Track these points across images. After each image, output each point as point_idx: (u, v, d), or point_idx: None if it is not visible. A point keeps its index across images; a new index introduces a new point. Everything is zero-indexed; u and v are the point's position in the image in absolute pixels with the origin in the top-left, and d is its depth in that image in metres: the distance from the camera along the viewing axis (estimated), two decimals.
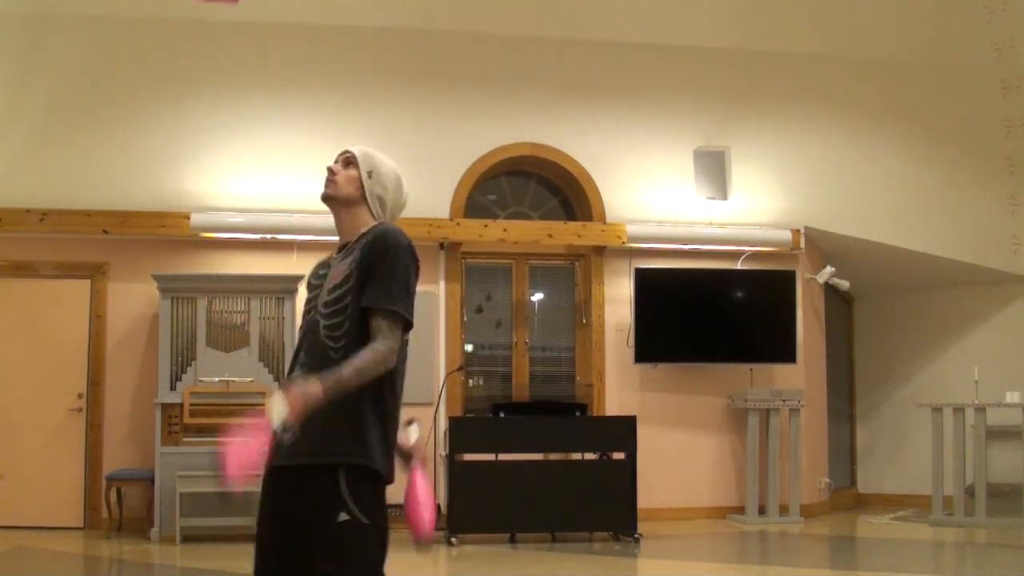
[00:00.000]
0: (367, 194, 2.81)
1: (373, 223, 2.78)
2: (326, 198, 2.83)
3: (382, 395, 2.61)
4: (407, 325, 2.64)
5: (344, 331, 2.61)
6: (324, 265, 2.83)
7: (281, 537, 2.56)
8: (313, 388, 2.46)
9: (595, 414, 9.28)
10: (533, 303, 9.97)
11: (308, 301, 2.78)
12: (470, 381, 9.72)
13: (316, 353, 2.62)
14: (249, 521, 8.09)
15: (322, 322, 2.65)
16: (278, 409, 2.40)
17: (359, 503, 2.53)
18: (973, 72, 10.22)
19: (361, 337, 2.59)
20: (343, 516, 2.51)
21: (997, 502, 9.10)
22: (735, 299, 9.71)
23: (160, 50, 9.02)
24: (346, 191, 2.80)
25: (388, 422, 2.63)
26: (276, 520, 2.58)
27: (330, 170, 2.83)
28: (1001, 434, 9.60)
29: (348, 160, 2.84)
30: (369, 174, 2.81)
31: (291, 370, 2.70)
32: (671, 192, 9.72)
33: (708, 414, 9.67)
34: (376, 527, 2.56)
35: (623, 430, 8.22)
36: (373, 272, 2.63)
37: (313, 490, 2.53)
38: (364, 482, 2.56)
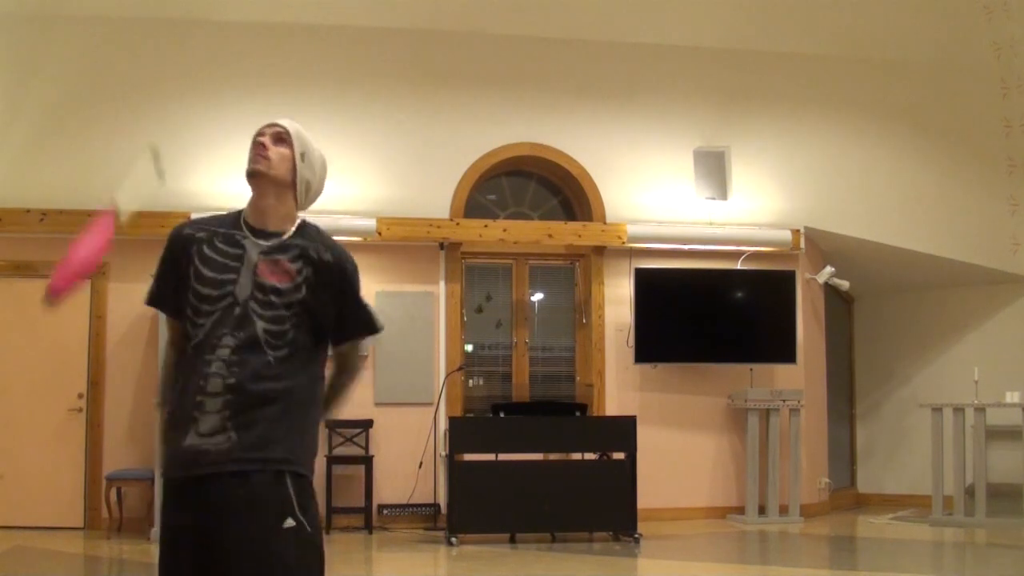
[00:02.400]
0: (297, 178, 2.58)
1: (297, 215, 2.62)
2: (255, 174, 2.55)
3: (318, 404, 2.62)
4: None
5: (287, 340, 2.48)
6: (230, 241, 2.55)
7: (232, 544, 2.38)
8: None
9: (595, 414, 9.28)
10: (533, 303, 9.97)
11: (210, 281, 2.49)
12: (470, 381, 9.72)
13: (251, 354, 2.44)
14: None
15: (261, 324, 2.46)
16: None
17: (304, 511, 2.44)
18: (973, 72, 10.22)
19: (299, 346, 2.50)
20: (290, 522, 2.40)
21: (997, 502, 9.10)
22: (735, 299, 9.71)
23: (160, 50, 9.02)
24: (278, 171, 2.56)
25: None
26: (225, 527, 2.39)
27: (262, 144, 2.56)
28: (1001, 434, 9.60)
29: (280, 136, 2.59)
30: (302, 156, 2.60)
31: (209, 351, 2.43)
32: (671, 192, 9.72)
33: (708, 414, 9.67)
34: (317, 535, 2.48)
35: (623, 430, 8.22)
36: (343, 305, 2.58)
37: (261, 498, 2.40)
38: (306, 490, 2.48)
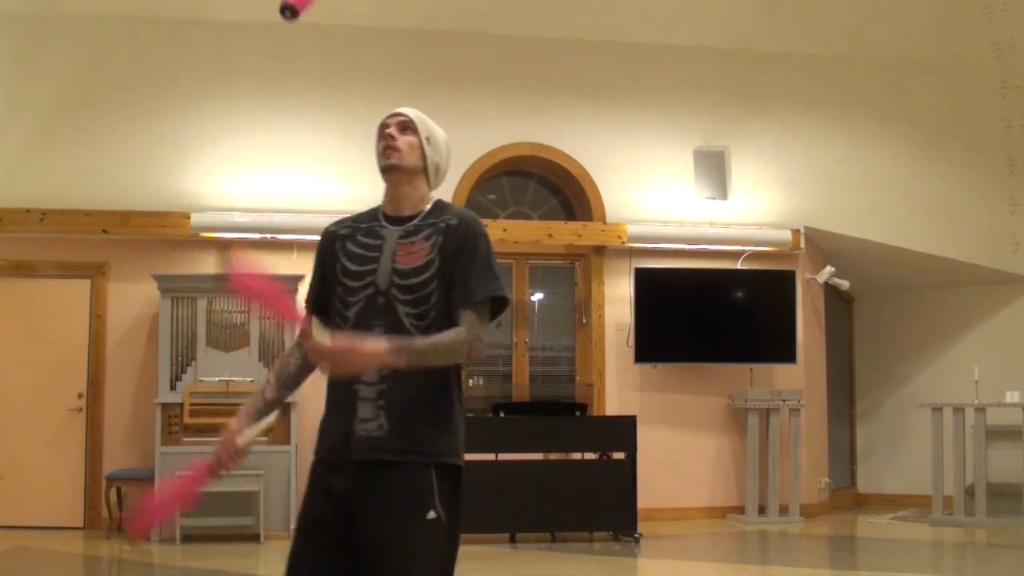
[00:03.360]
0: (427, 162, 2.62)
1: (431, 195, 2.66)
2: (390, 168, 2.60)
3: (460, 390, 2.60)
4: (501, 303, 2.58)
5: (431, 320, 2.50)
6: (371, 234, 2.61)
7: (363, 533, 2.45)
8: (379, 348, 2.36)
9: (595, 414, 9.28)
10: (533, 303, 9.97)
11: (353, 274, 2.56)
12: (470, 381, 9.72)
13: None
14: (247, 521, 8.14)
15: (403, 309, 2.51)
16: (322, 338, 2.36)
17: (445, 502, 2.49)
18: (973, 72, 10.21)
19: (442, 326, 2.51)
20: (432, 514, 2.46)
21: (997, 502, 9.10)
22: (735, 299, 9.71)
23: (160, 50, 9.02)
24: (410, 160, 2.60)
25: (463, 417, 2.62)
26: (357, 516, 2.46)
27: (390, 136, 2.60)
28: (1001, 434, 9.60)
29: (405, 125, 2.62)
30: (428, 140, 2.63)
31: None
32: (671, 192, 9.71)
33: (708, 414, 9.67)
34: (455, 525, 2.54)
35: (623, 430, 8.22)
36: (458, 266, 2.53)
37: (407, 487, 2.46)
38: (450, 480, 2.53)
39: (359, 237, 2.62)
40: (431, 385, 2.51)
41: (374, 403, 2.48)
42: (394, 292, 2.52)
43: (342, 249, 2.62)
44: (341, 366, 2.37)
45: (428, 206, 2.63)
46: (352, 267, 2.58)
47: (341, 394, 2.52)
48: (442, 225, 2.57)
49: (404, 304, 2.51)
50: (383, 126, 2.64)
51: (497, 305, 2.59)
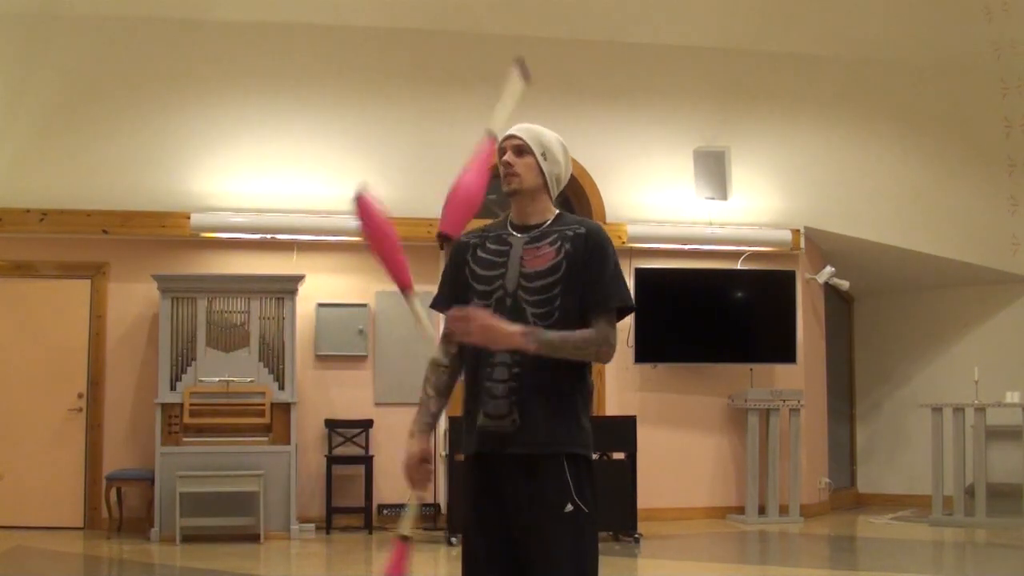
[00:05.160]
0: (547, 177, 2.80)
1: (553, 207, 2.83)
2: (512, 192, 2.81)
3: (590, 390, 2.77)
4: (626, 310, 2.75)
5: (555, 320, 2.66)
6: (499, 240, 2.81)
7: (507, 518, 2.64)
8: (514, 330, 2.53)
9: (595, 414, 9.26)
10: None
11: (483, 279, 2.77)
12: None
13: None
14: (247, 521, 8.14)
15: (531, 310, 2.68)
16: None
17: (581, 492, 2.64)
18: (973, 72, 10.21)
19: (571, 326, 2.66)
20: (569, 507, 2.62)
21: (997, 502, 9.10)
22: (735, 299, 9.71)
23: (160, 50, 9.01)
24: (530, 182, 2.79)
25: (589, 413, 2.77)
26: (501, 502, 2.65)
27: (508, 163, 2.80)
28: (1001, 434, 9.60)
29: (520, 148, 2.82)
30: (544, 156, 2.81)
31: (487, 354, 2.69)
32: (671, 192, 9.72)
33: (708, 414, 9.67)
34: (594, 516, 2.70)
35: (623, 430, 8.21)
36: (589, 273, 2.69)
37: (545, 482, 2.63)
38: (585, 471, 2.68)
39: (488, 244, 2.83)
40: (559, 382, 2.66)
41: (506, 399, 2.65)
42: (521, 294, 2.70)
43: (472, 256, 2.84)
44: (476, 334, 2.55)
45: (552, 216, 2.82)
46: (481, 272, 2.80)
47: (478, 392, 2.71)
48: (570, 233, 2.75)
49: (531, 305, 2.69)
50: (500, 151, 2.84)
51: (623, 312, 2.77)
